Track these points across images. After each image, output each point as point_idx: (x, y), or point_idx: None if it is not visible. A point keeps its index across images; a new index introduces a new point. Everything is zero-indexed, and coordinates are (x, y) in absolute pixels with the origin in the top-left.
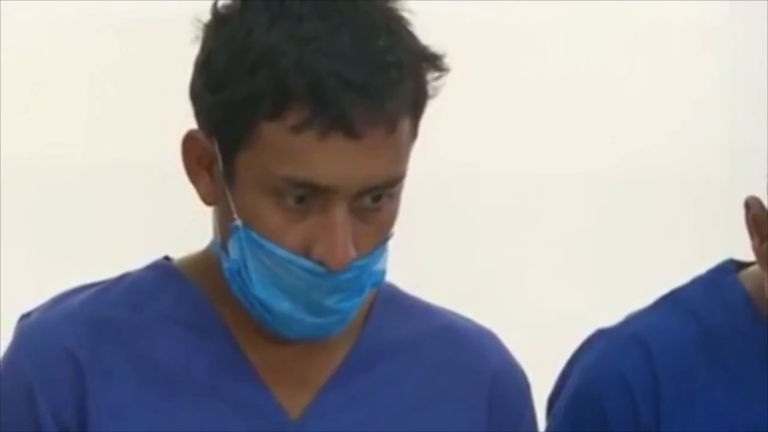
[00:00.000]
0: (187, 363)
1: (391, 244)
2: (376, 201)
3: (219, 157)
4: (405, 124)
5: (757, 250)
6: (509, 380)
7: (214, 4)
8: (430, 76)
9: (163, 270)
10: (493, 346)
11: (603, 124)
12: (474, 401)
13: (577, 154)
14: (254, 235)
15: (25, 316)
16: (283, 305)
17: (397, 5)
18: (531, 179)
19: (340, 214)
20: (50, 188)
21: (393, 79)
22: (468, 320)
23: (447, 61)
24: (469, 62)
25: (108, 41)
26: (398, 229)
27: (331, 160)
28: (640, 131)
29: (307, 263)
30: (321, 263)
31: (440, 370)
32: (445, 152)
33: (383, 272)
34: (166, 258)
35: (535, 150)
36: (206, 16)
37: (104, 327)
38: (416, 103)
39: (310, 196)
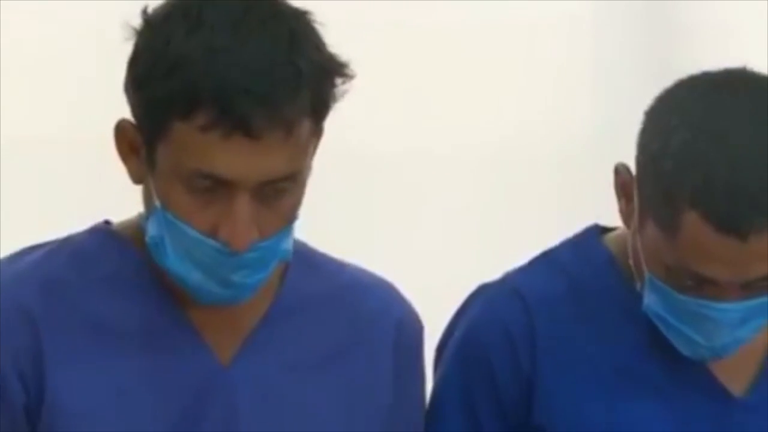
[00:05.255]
0: (129, 319)
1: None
2: (279, 191)
3: (143, 146)
4: (304, 127)
5: (623, 211)
6: (410, 327)
7: (144, 10)
8: (333, 82)
9: (104, 235)
10: (394, 297)
11: (483, 109)
12: (381, 348)
13: (459, 134)
14: (170, 215)
15: None
16: (195, 276)
17: (306, 19)
18: (418, 157)
19: (241, 203)
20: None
21: (291, 89)
22: (372, 274)
23: (352, 68)
24: (356, 49)
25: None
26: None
27: (233, 157)
28: (514, 114)
29: (214, 243)
30: (225, 244)
31: (349, 322)
32: (337, 133)
33: (288, 251)
34: (106, 222)
35: (421, 129)
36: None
37: (54, 287)
38: (316, 107)
39: (216, 186)
